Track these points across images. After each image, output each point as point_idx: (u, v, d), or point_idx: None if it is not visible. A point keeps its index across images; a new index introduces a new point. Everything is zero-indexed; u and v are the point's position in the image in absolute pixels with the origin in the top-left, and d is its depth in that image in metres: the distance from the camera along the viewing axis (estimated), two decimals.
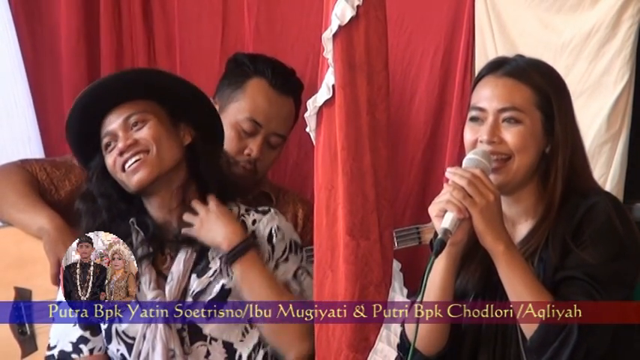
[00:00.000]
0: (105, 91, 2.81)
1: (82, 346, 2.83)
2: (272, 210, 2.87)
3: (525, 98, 2.47)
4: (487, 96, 2.49)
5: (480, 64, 3.26)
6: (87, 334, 2.83)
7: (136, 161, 2.76)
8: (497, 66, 2.53)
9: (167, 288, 2.75)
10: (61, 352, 2.83)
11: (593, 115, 3.08)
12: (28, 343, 3.02)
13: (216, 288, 2.75)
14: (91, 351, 2.83)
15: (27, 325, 3.03)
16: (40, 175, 3.18)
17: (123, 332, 2.78)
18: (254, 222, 2.83)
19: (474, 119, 2.50)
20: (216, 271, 2.77)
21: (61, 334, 2.84)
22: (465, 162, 2.43)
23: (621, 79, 3.04)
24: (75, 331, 2.83)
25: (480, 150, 2.44)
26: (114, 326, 2.78)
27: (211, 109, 2.93)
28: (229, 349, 2.76)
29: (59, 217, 3.05)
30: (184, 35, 3.61)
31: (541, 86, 2.49)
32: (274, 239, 2.82)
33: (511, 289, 2.36)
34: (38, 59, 3.65)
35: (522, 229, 2.50)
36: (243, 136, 3.20)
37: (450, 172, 2.40)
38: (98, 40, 3.63)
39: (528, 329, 2.35)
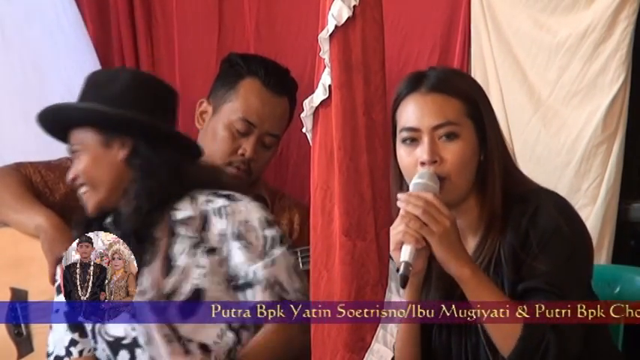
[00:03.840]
0: (46, 123, 2.85)
1: (72, 348, 2.83)
2: (233, 199, 2.77)
3: (457, 110, 2.42)
4: (417, 115, 2.43)
5: (475, 64, 3.28)
6: (76, 336, 2.83)
7: (82, 193, 2.80)
8: (417, 82, 2.47)
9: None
10: (56, 357, 2.84)
11: (588, 116, 3.08)
12: (24, 344, 3.02)
13: (187, 288, 2.71)
14: (80, 353, 2.83)
15: (23, 326, 3.02)
16: (34, 177, 3.19)
17: (105, 332, 2.77)
18: (215, 211, 2.75)
19: (406, 141, 2.44)
20: (184, 269, 2.73)
21: (57, 340, 2.85)
22: (412, 187, 2.39)
23: (617, 80, 3.05)
24: (67, 335, 2.83)
25: (425, 172, 2.39)
26: (96, 326, 2.78)
27: (136, 121, 2.82)
28: (205, 350, 2.72)
29: (56, 215, 3.06)
30: (183, 37, 3.61)
31: (467, 94, 2.44)
32: (246, 234, 2.75)
33: (483, 311, 2.32)
34: None
35: (470, 243, 2.46)
36: (237, 137, 3.21)
37: (403, 201, 2.35)
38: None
39: (505, 348, 2.31)
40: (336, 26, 2.61)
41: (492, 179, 2.42)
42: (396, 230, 2.34)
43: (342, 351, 2.62)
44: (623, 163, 3.07)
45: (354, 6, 2.60)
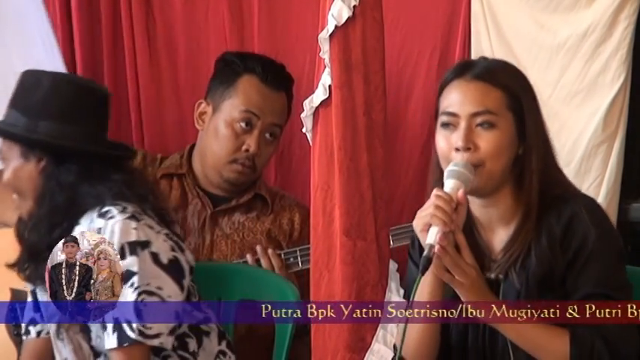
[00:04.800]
0: None
1: (31, 327, 2.82)
2: (108, 217, 2.59)
3: (497, 101, 2.43)
4: (458, 100, 2.44)
5: None
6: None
7: (15, 201, 2.76)
8: (464, 69, 2.48)
9: None
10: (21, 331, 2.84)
11: (589, 116, 3.08)
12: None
13: None
14: (39, 333, 2.82)
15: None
16: None
17: None
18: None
19: (445, 125, 2.46)
20: None
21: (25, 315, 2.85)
22: (446, 173, 2.40)
23: (617, 79, 3.05)
24: (29, 313, 2.81)
25: (460, 162, 2.40)
26: None
27: (40, 141, 2.72)
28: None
29: None
30: (184, 37, 3.61)
31: (511, 87, 2.45)
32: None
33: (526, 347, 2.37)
34: None
35: (501, 236, 2.47)
36: (239, 133, 3.21)
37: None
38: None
39: None
40: (336, 26, 2.61)
41: (530, 173, 2.43)
42: (425, 212, 2.34)
43: (342, 351, 2.63)
44: (623, 163, 3.07)
45: (354, 6, 2.60)
